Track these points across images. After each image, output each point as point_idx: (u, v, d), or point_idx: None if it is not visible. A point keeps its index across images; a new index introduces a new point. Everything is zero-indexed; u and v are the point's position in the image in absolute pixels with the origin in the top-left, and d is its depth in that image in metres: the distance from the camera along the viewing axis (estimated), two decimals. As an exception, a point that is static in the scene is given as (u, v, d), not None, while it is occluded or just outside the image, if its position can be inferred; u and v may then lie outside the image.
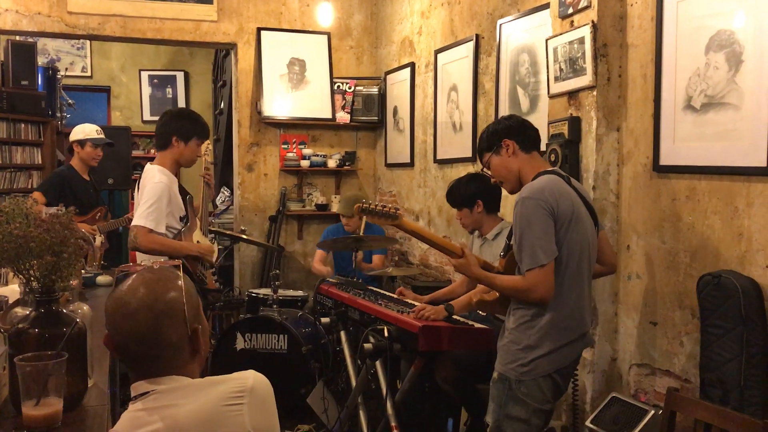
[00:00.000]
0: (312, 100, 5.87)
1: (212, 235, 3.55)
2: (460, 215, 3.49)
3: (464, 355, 3.15)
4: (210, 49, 8.14)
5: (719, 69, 2.56)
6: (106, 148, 4.77)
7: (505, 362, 2.39)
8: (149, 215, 3.04)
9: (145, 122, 9.45)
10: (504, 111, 4.03)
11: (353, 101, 5.98)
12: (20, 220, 1.71)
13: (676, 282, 2.78)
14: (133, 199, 6.12)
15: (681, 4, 2.73)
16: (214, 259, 3.30)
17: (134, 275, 1.36)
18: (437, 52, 4.92)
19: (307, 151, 5.94)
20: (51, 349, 1.59)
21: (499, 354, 2.43)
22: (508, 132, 2.48)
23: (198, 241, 3.27)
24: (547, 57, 3.30)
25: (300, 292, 4.91)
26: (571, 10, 3.13)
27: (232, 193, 6.65)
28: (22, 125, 6.65)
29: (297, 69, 5.86)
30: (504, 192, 3.64)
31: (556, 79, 3.23)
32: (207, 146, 3.44)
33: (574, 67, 3.11)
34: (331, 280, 4.00)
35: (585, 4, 3.05)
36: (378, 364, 3.25)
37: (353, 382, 3.45)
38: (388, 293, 3.62)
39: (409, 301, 3.36)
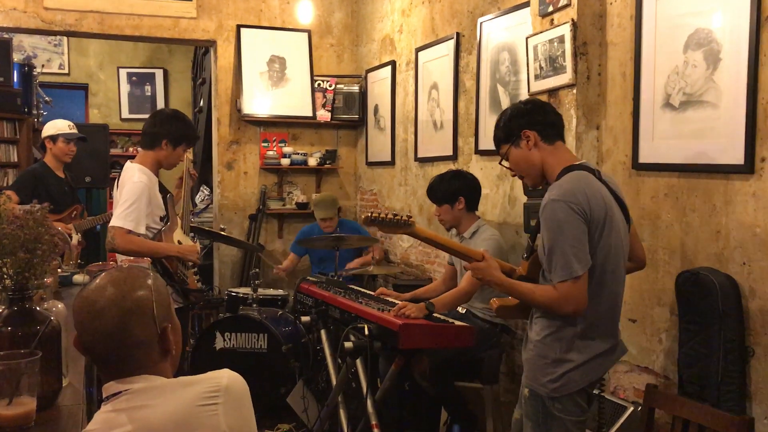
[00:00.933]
0: (292, 98, 5.84)
1: (192, 233, 3.51)
2: (439, 211, 3.49)
3: (440, 350, 3.14)
4: (189, 46, 8.07)
5: (697, 67, 2.58)
6: (81, 144, 4.68)
7: (534, 378, 2.17)
8: (128, 216, 2.99)
9: (123, 120, 9.36)
10: (485, 109, 4.04)
11: (334, 99, 5.96)
12: (-8, 216, 1.68)
13: (655, 279, 2.80)
14: (111, 197, 6.06)
15: (660, 2, 2.75)
16: (197, 259, 3.25)
17: (102, 274, 1.34)
18: (418, 50, 4.92)
19: (287, 149, 5.91)
20: (24, 347, 1.57)
21: (526, 367, 2.22)
22: (528, 121, 2.23)
23: (179, 241, 3.22)
24: (527, 55, 3.30)
25: (280, 291, 4.89)
26: (551, 9, 3.14)
27: (211, 192, 6.60)
28: (-3, 122, 6.55)
29: (277, 67, 5.82)
30: (483, 191, 3.67)
31: (536, 77, 3.24)
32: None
33: (554, 65, 3.12)
34: (311, 278, 3.98)
35: (565, 2, 3.06)
36: (358, 362, 3.24)
37: (333, 381, 3.44)
38: (369, 292, 3.61)
39: (391, 300, 3.35)
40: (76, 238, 4.25)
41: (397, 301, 3.22)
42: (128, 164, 3.21)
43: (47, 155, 4.55)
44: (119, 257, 3.14)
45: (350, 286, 3.82)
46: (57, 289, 3.15)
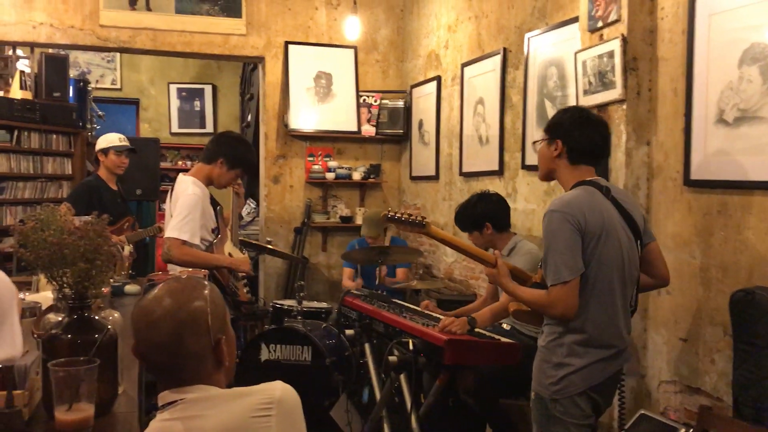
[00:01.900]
0: (338, 113, 5.91)
1: (240, 246, 3.56)
2: (471, 238, 3.48)
3: (485, 366, 3.11)
4: (238, 62, 8.23)
5: (753, 82, 2.53)
6: (133, 158, 4.80)
7: (538, 381, 2.31)
8: (183, 227, 3.04)
9: (173, 134, 9.57)
10: (531, 124, 4.02)
11: (379, 114, 6.01)
12: (54, 227, 1.73)
13: (707, 298, 2.74)
14: (161, 210, 6.19)
15: (714, 17, 2.71)
16: (249, 270, 3.29)
17: (161, 284, 1.35)
18: (464, 65, 4.93)
19: (332, 163, 5.97)
20: (83, 355, 1.60)
21: (533, 372, 2.36)
22: (564, 133, 2.33)
23: (230, 253, 3.26)
24: (576, 70, 3.28)
25: (324, 304, 4.90)
26: (600, 24, 3.12)
27: (257, 205, 6.69)
28: (54, 136, 6.76)
29: (323, 82, 5.90)
30: (529, 206, 3.64)
31: (585, 92, 3.22)
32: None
33: (603, 80, 3.09)
34: (355, 292, 3.99)
35: (615, 17, 3.03)
36: (402, 377, 3.23)
37: (377, 395, 3.43)
38: (412, 306, 3.60)
39: (435, 315, 3.34)
40: (127, 249, 4.34)
41: (441, 317, 3.21)
42: (181, 176, 3.27)
43: (100, 168, 4.68)
44: (172, 266, 3.21)
45: (393, 300, 3.82)
46: (109, 299, 3.22)
